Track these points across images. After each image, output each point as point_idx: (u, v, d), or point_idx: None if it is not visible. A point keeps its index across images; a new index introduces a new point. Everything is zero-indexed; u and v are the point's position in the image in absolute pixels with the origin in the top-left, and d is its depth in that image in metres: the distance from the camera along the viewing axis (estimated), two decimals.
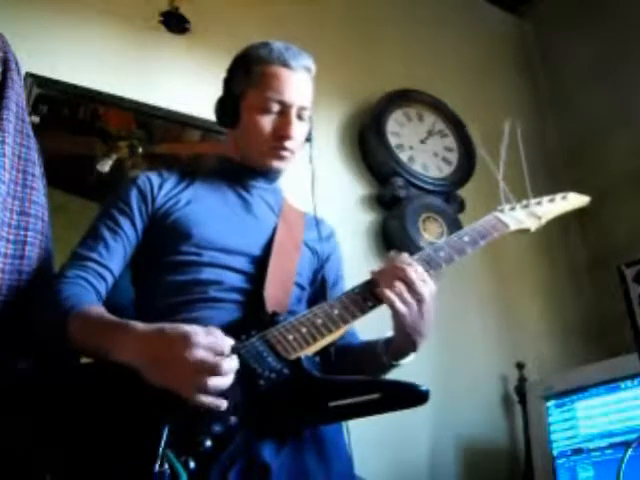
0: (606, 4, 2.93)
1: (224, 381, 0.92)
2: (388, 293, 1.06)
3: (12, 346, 1.11)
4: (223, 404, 0.92)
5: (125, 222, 1.20)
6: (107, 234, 1.18)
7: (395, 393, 0.95)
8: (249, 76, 1.26)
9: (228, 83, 1.32)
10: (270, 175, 1.32)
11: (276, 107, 1.24)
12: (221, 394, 0.92)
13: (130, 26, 2.19)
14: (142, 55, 2.20)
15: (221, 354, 0.92)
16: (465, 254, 1.18)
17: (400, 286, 1.06)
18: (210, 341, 0.92)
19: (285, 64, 1.24)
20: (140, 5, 2.23)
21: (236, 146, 1.32)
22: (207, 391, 0.90)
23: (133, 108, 2.10)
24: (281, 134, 1.24)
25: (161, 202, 1.23)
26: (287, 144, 1.25)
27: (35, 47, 1.91)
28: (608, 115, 2.81)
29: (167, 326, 0.95)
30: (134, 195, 1.22)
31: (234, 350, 0.96)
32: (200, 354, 0.90)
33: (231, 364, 0.93)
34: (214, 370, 0.90)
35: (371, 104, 2.57)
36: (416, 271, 1.08)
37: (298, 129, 1.26)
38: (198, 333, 0.92)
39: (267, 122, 1.24)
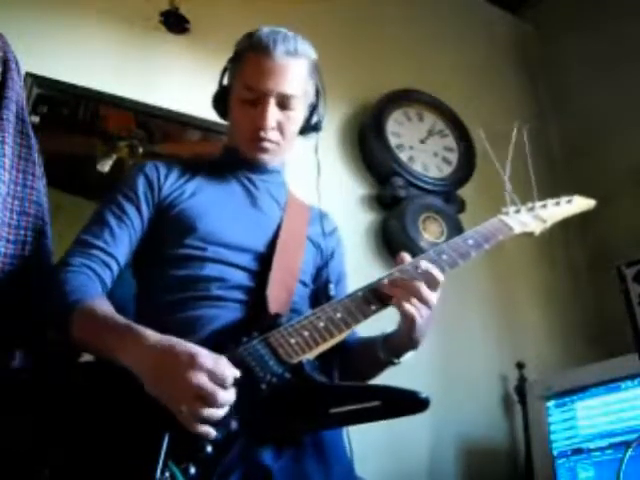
0: (606, 4, 2.93)
1: (217, 413, 0.89)
2: (407, 305, 1.04)
3: (11, 346, 1.11)
4: (212, 434, 0.89)
5: (131, 209, 1.17)
6: (113, 221, 1.15)
7: (395, 401, 0.94)
8: (234, 66, 1.26)
9: (222, 75, 1.31)
10: (258, 167, 1.28)
11: (253, 96, 1.19)
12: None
13: (130, 26, 2.19)
14: (142, 55, 2.20)
15: (221, 384, 0.89)
16: (469, 258, 1.15)
17: (417, 302, 1.04)
18: (214, 368, 0.89)
19: (264, 50, 1.18)
20: (140, 5, 2.23)
21: (230, 138, 1.31)
22: (198, 418, 0.88)
23: (133, 108, 2.10)
24: (257, 125, 1.20)
25: (167, 192, 1.20)
26: (265, 135, 1.20)
27: (35, 47, 1.91)
28: (609, 115, 2.81)
29: (177, 341, 0.92)
30: (141, 182, 1.20)
31: (235, 360, 0.94)
32: (200, 379, 0.87)
33: (227, 397, 0.90)
34: (209, 400, 0.88)
35: (371, 104, 2.57)
36: (432, 278, 1.07)
37: (278, 118, 1.20)
38: (206, 356, 0.90)
39: (246, 112, 1.21)
